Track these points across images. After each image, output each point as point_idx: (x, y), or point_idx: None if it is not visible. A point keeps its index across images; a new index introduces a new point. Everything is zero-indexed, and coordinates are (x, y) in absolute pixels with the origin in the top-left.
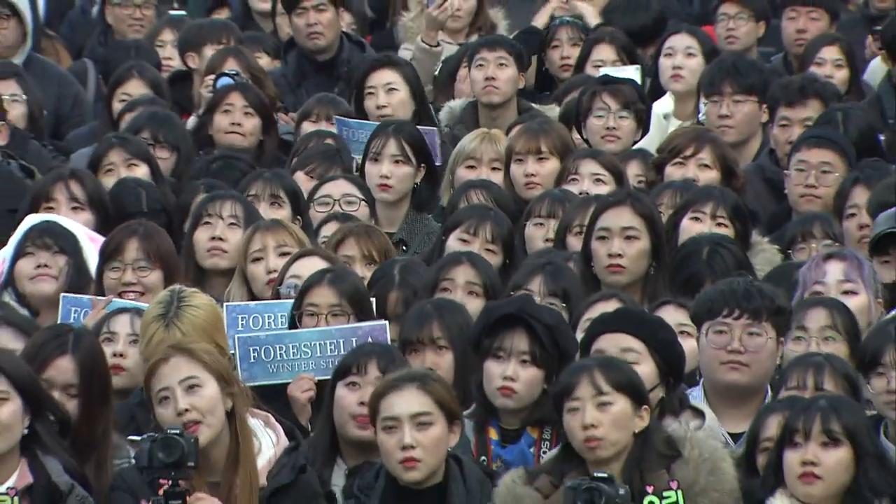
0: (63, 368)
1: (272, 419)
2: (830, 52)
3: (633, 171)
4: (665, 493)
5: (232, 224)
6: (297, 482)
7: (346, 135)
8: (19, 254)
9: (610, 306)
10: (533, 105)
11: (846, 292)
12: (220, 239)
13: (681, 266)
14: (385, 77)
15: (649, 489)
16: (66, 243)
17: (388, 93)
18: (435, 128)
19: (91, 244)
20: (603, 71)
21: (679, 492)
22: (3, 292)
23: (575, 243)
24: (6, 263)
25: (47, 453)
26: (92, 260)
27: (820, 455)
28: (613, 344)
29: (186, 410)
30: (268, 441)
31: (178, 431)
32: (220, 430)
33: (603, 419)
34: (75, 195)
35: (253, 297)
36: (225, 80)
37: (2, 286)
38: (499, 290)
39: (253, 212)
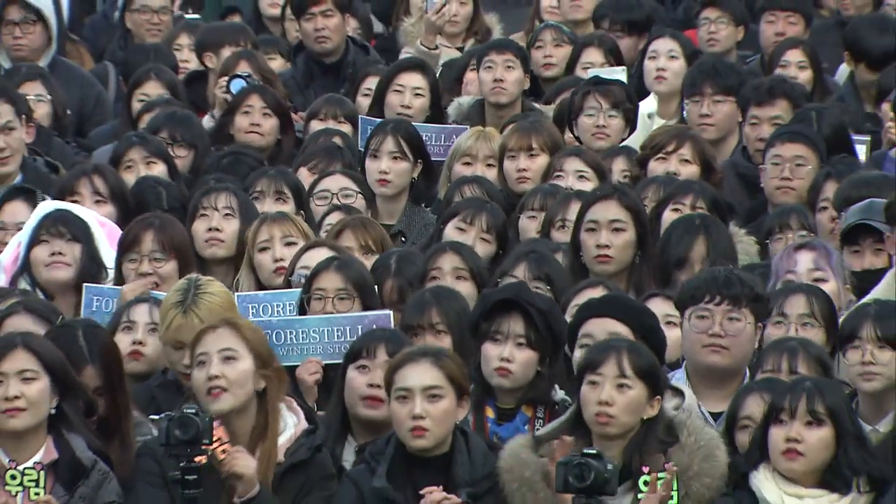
0: (88, 376)
1: (294, 404)
2: (794, 55)
3: (619, 167)
4: (659, 474)
5: (227, 215)
6: (313, 460)
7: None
8: (34, 241)
9: (597, 293)
10: (535, 105)
11: (816, 279)
12: (217, 230)
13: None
14: (414, 80)
15: (645, 469)
16: (79, 231)
17: (415, 96)
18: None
19: (101, 229)
20: (592, 72)
21: (674, 476)
22: (19, 278)
23: (559, 236)
24: (22, 249)
25: (72, 431)
26: (103, 246)
27: (803, 433)
28: (600, 328)
29: (216, 377)
30: (291, 422)
31: (193, 411)
32: (243, 402)
33: (619, 399)
34: (98, 189)
35: (260, 284)
36: (238, 82)
37: (18, 272)
38: (485, 273)
39: (247, 202)
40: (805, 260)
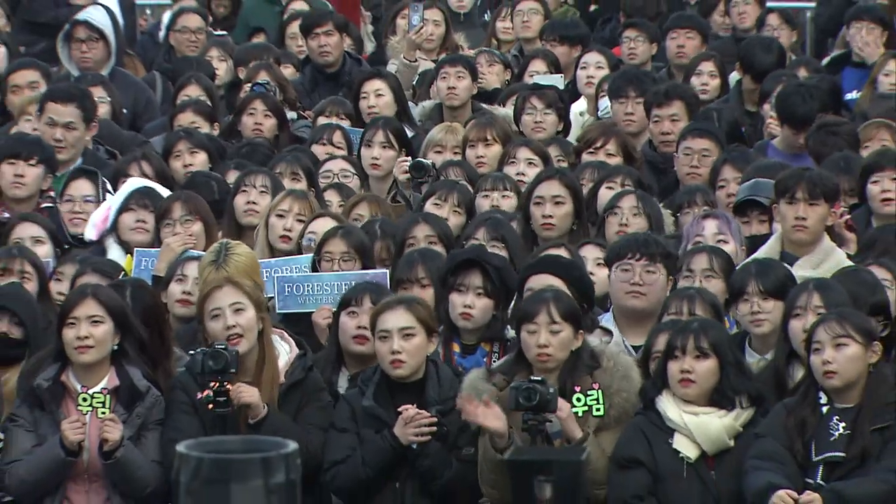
0: None
1: (286, 335)
2: (707, 66)
3: (555, 153)
4: (588, 392)
5: (262, 192)
6: (307, 379)
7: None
8: (123, 209)
9: (561, 251)
10: (483, 105)
11: (719, 241)
12: (254, 203)
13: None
14: (375, 85)
15: (577, 389)
16: (156, 205)
17: (377, 97)
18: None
19: None
20: (535, 79)
21: (599, 391)
22: (107, 236)
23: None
24: (112, 213)
25: (130, 364)
26: None
27: (693, 365)
28: (540, 282)
29: (233, 327)
30: (284, 350)
31: (223, 346)
32: (254, 343)
33: (553, 341)
34: (145, 171)
35: (269, 244)
36: (258, 88)
37: (107, 231)
38: (451, 238)
39: (278, 182)
40: (711, 226)
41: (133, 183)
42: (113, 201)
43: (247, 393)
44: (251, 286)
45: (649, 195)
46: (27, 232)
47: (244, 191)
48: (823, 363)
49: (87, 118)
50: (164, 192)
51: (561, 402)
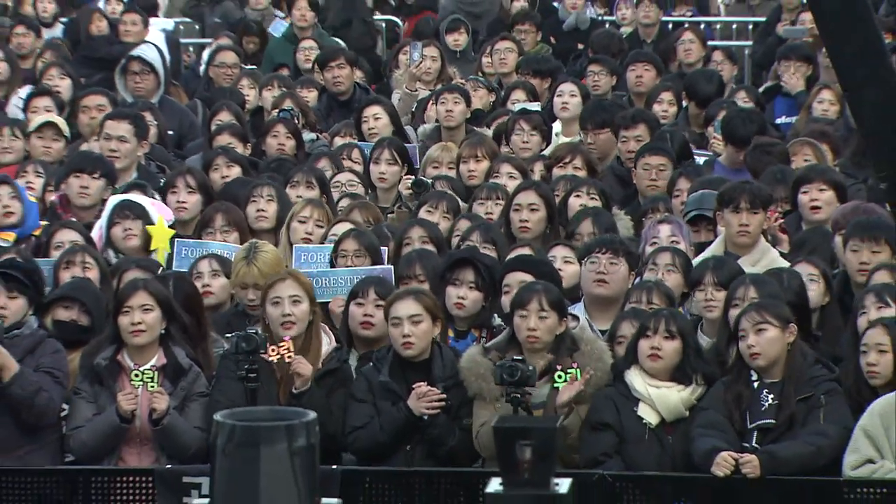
0: None
1: (328, 329)
2: (666, 95)
3: (538, 168)
4: (568, 370)
5: (269, 200)
6: (341, 368)
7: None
8: (111, 224)
9: (526, 249)
10: (475, 129)
11: (672, 242)
12: (263, 210)
13: (575, 223)
14: (373, 110)
15: (558, 367)
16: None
17: (376, 120)
18: (416, 144)
19: (153, 208)
20: (518, 106)
21: (577, 369)
22: (106, 252)
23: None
24: (103, 231)
25: (175, 345)
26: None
27: (662, 343)
28: (515, 279)
29: (288, 315)
30: (325, 341)
31: (254, 331)
32: (303, 329)
33: (541, 325)
34: (189, 184)
35: (290, 245)
36: (284, 114)
37: (104, 247)
38: (441, 239)
39: (281, 192)
40: (665, 230)
41: (112, 200)
42: (101, 221)
43: (304, 365)
44: (308, 283)
45: (605, 211)
46: (66, 237)
47: (254, 200)
48: (749, 347)
49: (138, 134)
50: (141, 200)
51: (563, 388)
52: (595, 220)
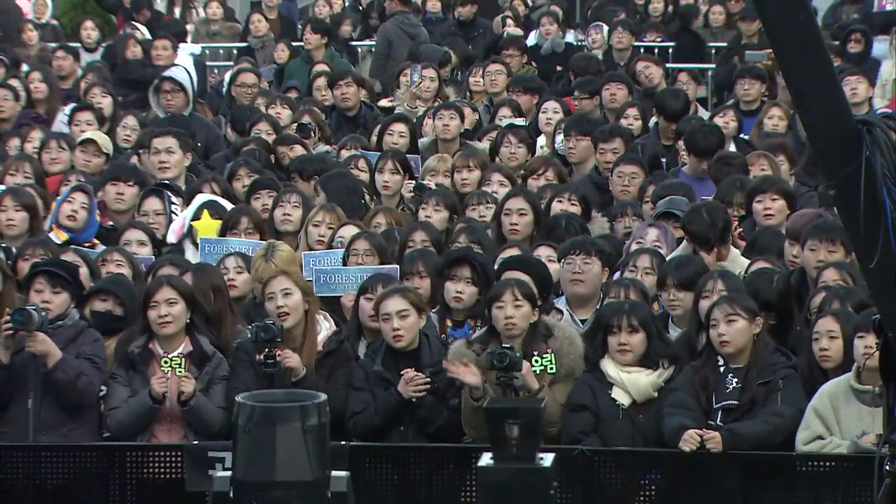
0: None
1: (328, 315)
2: (632, 111)
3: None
4: (544, 355)
5: (295, 206)
6: (340, 349)
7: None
8: (195, 218)
9: (513, 251)
10: (468, 142)
11: (656, 245)
12: (288, 214)
13: (554, 227)
14: (399, 127)
15: (535, 352)
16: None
17: (400, 137)
18: (419, 155)
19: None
20: (506, 121)
21: (552, 354)
22: (185, 240)
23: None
24: (186, 221)
25: (200, 333)
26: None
27: (628, 338)
28: (512, 276)
29: (281, 307)
30: (325, 326)
31: (272, 322)
32: (299, 320)
33: (516, 314)
34: (214, 190)
35: (308, 246)
36: (302, 127)
37: (184, 236)
38: (441, 241)
39: (307, 198)
40: (652, 233)
41: (200, 198)
42: (186, 213)
43: (290, 359)
44: (298, 276)
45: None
46: (134, 236)
47: (281, 205)
48: (719, 335)
49: (183, 146)
50: (226, 205)
51: (525, 364)
52: (569, 224)
